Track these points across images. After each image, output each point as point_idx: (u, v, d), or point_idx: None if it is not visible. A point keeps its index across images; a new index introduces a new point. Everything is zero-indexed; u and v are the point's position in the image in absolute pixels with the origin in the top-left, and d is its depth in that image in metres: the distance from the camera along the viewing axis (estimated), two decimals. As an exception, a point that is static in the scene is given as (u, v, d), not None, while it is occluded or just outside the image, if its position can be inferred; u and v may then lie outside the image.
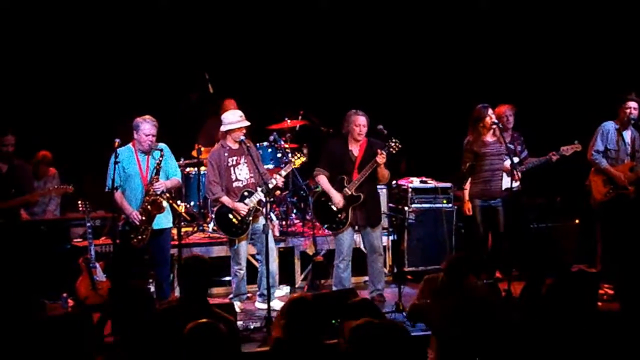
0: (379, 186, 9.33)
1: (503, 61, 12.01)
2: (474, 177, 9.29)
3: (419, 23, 12.35)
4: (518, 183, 8.97)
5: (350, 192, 8.80)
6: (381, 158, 8.62)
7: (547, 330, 4.92)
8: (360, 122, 8.79)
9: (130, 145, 8.45)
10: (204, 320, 4.53)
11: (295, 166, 9.38)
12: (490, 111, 9.16)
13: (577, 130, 9.89)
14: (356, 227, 9.06)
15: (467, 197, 9.45)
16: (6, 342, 6.62)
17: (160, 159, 8.29)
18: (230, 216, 8.74)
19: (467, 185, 9.43)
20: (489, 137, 9.19)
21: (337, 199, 8.83)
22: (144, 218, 8.26)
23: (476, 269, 6.50)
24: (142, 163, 8.40)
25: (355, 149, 8.91)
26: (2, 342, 6.60)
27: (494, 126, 9.12)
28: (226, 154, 8.80)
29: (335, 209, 8.86)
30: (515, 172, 8.83)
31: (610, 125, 9.46)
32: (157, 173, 8.28)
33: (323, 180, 8.94)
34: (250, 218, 8.76)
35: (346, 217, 8.87)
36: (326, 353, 5.03)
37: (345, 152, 8.90)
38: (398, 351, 4.15)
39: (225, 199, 8.74)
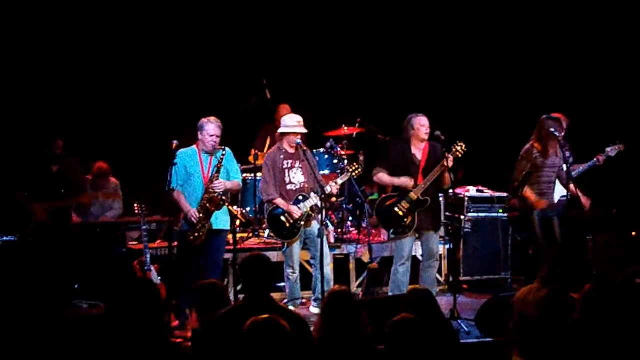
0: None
1: (556, 69, 12.01)
2: (531, 188, 9.07)
3: (476, 33, 12.33)
4: (567, 192, 8.89)
5: (417, 197, 8.69)
6: (450, 162, 8.48)
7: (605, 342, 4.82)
8: (424, 122, 8.73)
9: (194, 146, 8.47)
10: (265, 315, 4.42)
11: (353, 177, 9.26)
12: (560, 128, 8.94)
13: (618, 132, 9.78)
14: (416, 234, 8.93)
15: (534, 198, 8.91)
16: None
17: (222, 158, 8.31)
18: (282, 219, 8.74)
19: (528, 193, 8.93)
20: (551, 150, 9.03)
21: (407, 180, 8.71)
22: (201, 215, 8.25)
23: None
24: (204, 163, 8.41)
25: (419, 153, 8.80)
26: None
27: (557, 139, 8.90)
28: (282, 157, 8.83)
29: (401, 213, 8.73)
30: (572, 185, 8.72)
31: None
32: (218, 172, 8.29)
33: (385, 176, 8.83)
34: (302, 222, 8.75)
35: (412, 222, 8.73)
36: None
37: (409, 156, 8.78)
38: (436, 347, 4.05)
39: (279, 201, 8.76)
